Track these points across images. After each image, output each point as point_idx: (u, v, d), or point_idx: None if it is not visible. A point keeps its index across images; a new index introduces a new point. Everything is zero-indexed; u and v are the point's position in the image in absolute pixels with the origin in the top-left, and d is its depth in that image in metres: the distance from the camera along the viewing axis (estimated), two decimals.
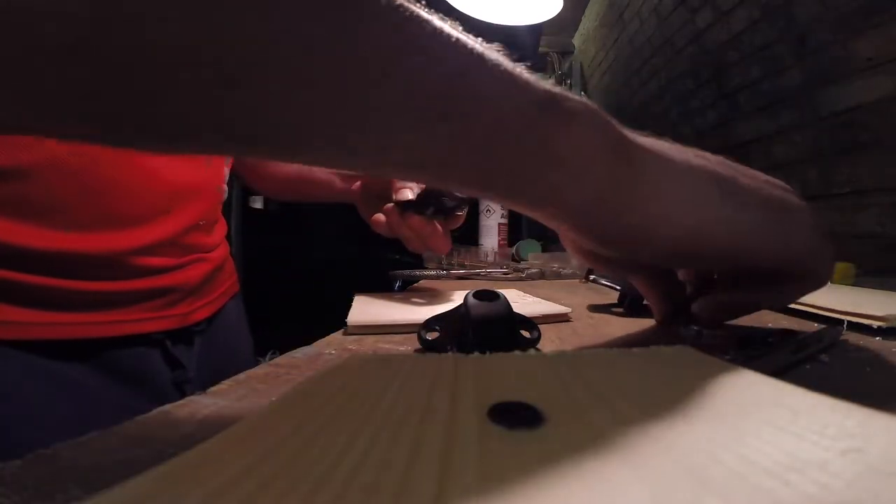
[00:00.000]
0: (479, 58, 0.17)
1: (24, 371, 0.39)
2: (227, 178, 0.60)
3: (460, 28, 0.17)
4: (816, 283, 0.27)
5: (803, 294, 0.28)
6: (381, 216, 0.48)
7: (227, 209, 0.63)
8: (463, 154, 0.17)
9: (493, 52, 0.17)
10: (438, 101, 0.16)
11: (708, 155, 0.23)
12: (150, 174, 0.46)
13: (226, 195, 0.61)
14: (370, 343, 0.32)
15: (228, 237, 0.64)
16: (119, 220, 0.44)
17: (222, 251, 0.60)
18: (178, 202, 0.49)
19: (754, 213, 0.22)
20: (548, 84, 0.19)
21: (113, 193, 0.43)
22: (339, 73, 0.14)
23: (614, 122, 0.20)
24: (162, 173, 0.47)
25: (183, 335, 0.51)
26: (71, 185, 0.41)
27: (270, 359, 0.28)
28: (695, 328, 0.31)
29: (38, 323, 0.40)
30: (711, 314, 0.28)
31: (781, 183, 0.25)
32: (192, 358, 0.52)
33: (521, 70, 0.18)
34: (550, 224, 0.23)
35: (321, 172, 0.61)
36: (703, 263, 0.24)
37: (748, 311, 0.30)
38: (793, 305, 0.40)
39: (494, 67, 0.17)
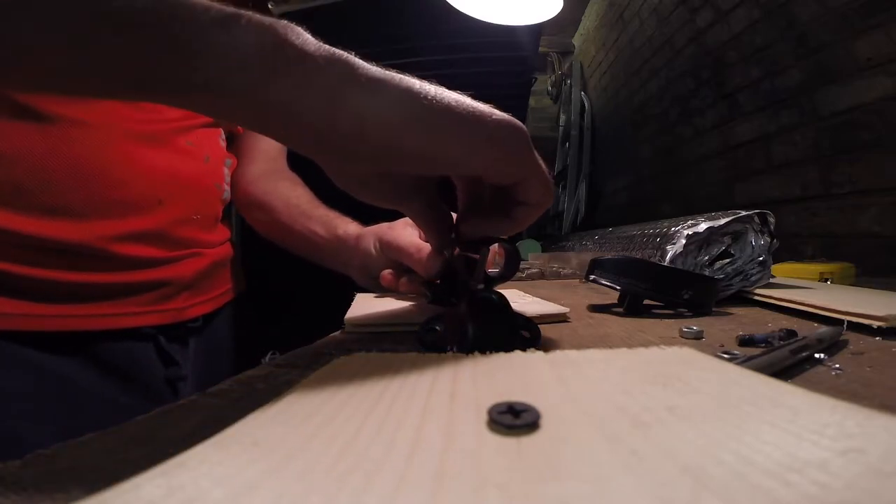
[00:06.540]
0: None
1: (9, 362, 0.38)
2: (227, 178, 0.60)
3: None
4: (539, 200, 0.27)
5: (531, 216, 0.29)
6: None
7: (229, 208, 0.63)
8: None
9: None
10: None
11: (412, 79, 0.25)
12: (145, 164, 0.46)
13: (228, 195, 0.61)
14: (370, 343, 0.32)
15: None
16: (109, 207, 0.44)
17: (223, 250, 0.59)
18: (172, 194, 0.49)
19: (445, 120, 0.24)
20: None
21: (106, 180, 0.43)
22: None
23: (290, 32, 0.21)
24: (156, 164, 0.47)
25: (178, 331, 0.51)
26: (66, 172, 0.41)
27: (270, 359, 0.28)
28: (694, 328, 0.31)
29: (24, 314, 0.39)
30: (471, 231, 0.31)
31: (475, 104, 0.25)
32: (188, 355, 0.52)
33: None
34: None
35: (313, 225, 0.57)
36: (407, 162, 0.25)
37: (498, 231, 0.30)
38: (793, 306, 0.40)
39: None
